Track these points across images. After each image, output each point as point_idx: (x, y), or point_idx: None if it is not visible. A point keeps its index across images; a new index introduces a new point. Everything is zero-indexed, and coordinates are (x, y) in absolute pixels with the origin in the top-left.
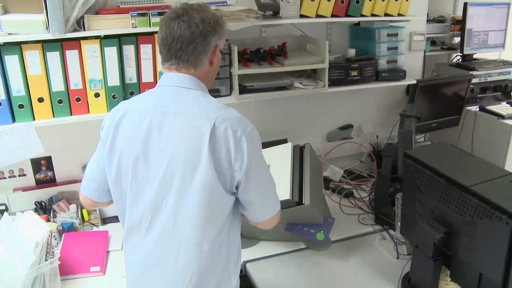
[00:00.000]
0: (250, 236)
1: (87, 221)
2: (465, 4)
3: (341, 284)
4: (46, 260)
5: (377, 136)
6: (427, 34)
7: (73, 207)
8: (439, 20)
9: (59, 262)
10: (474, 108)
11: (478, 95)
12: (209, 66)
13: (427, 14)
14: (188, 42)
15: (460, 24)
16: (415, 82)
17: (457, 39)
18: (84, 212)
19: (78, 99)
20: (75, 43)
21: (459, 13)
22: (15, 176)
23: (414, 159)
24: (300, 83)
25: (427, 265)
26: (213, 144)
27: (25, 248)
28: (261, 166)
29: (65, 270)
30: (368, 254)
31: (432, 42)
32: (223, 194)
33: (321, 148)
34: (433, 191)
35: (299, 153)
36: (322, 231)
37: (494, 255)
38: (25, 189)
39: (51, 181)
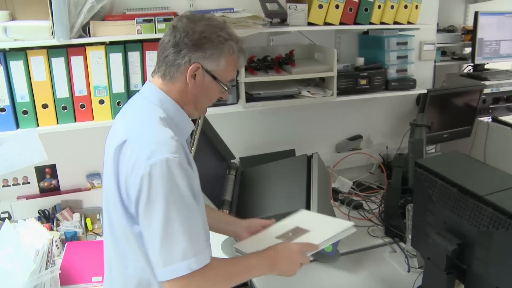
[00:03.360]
0: None
1: (90, 231)
2: (476, 13)
3: None
4: (46, 268)
5: (386, 147)
6: (437, 44)
7: (76, 216)
8: (450, 30)
9: (60, 271)
10: (487, 119)
11: (491, 106)
12: (186, 85)
13: (437, 24)
14: (163, 50)
15: (471, 34)
16: (425, 91)
17: (468, 50)
18: (88, 221)
19: (82, 106)
20: (80, 49)
21: (469, 23)
22: (19, 184)
23: (426, 169)
24: (308, 91)
25: (440, 279)
26: (116, 163)
27: (25, 256)
28: (159, 206)
29: (66, 280)
30: (378, 267)
31: (443, 52)
32: (126, 221)
33: (330, 159)
34: (445, 201)
35: (306, 163)
36: (330, 244)
37: (511, 268)
38: (29, 197)
39: (55, 190)
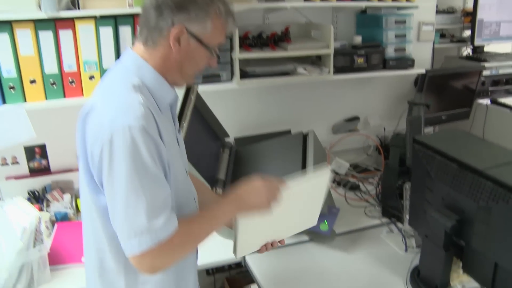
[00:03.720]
0: None
1: None
2: None
3: (347, 277)
4: (34, 247)
5: (384, 129)
6: (437, 25)
7: (67, 197)
8: (449, 11)
9: (49, 251)
10: (485, 101)
11: (490, 88)
12: (170, 50)
13: (436, 6)
14: (144, 14)
15: (470, 16)
16: (423, 71)
17: (467, 33)
18: (79, 202)
19: (72, 82)
20: (69, 22)
21: (469, 6)
22: (8, 164)
23: (424, 145)
24: (304, 69)
25: (438, 256)
26: (83, 133)
27: (12, 234)
28: (121, 176)
29: (56, 259)
30: (375, 247)
31: (442, 35)
32: (93, 194)
33: (326, 140)
34: (444, 176)
35: (302, 141)
36: (326, 221)
37: (511, 243)
38: (18, 177)
39: (45, 170)
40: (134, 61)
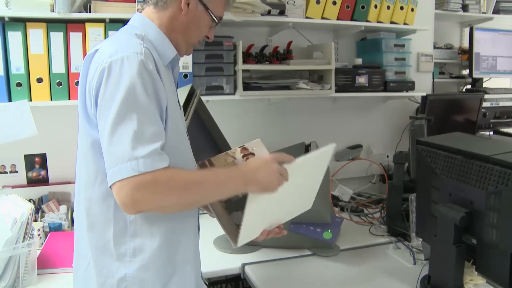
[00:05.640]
0: (250, 241)
1: None
2: (471, 28)
3: None
4: (23, 241)
5: (387, 156)
6: (435, 59)
7: (63, 208)
8: (447, 47)
9: (39, 249)
10: (488, 132)
11: (491, 121)
12: (179, 12)
13: (435, 42)
14: None
15: (467, 54)
16: (424, 94)
17: (465, 72)
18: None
19: (77, 83)
20: (80, 25)
21: (466, 44)
22: (6, 172)
23: (428, 144)
24: (306, 84)
25: (449, 255)
26: (86, 73)
27: (2, 224)
28: (113, 101)
29: (45, 264)
30: (381, 261)
31: (441, 72)
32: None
33: (330, 167)
34: (450, 170)
35: (304, 150)
36: (329, 230)
37: None
38: (15, 186)
39: (43, 181)
40: (140, 20)
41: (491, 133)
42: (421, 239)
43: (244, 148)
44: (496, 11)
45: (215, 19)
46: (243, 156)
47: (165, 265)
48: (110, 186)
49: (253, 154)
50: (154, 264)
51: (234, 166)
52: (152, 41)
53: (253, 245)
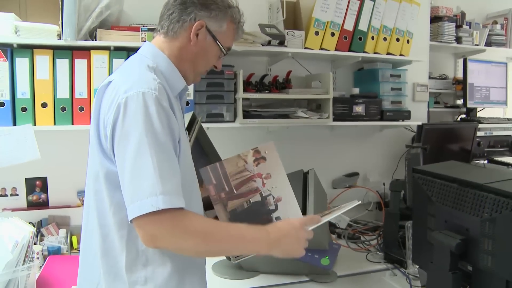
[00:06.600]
0: (248, 267)
1: (75, 249)
2: (465, 60)
3: None
4: (24, 264)
5: (384, 184)
6: (430, 89)
7: (62, 231)
8: (441, 78)
9: (38, 272)
10: (483, 161)
11: (485, 150)
12: (188, 42)
13: (430, 73)
14: (168, 8)
15: (461, 84)
16: (420, 123)
17: (460, 101)
18: (74, 239)
19: (81, 109)
20: (85, 52)
21: (460, 75)
22: (7, 195)
23: (424, 172)
24: (305, 112)
25: (445, 281)
26: (99, 104)
27: (2, 246)
28: (131, 138)
29: (44, 286)
30: (379, 287)
31: (436, 102)
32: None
33: (327, 194)
34: (445, 198)
35: (302, 178)
36: (327, 257)
37: None
38: (15, 209)
39: (43, 204)
40: (150, 50)
41: (486, 161)
42: (417, 266)
43: (256, 151)
44: (488, 43)
45: (223, 50)
46: (254, 161)
47: None
48: (130, 221)
49: (264, 159)
50: None
51: (261, 227)
52: (163, 72)
53: (251, 271)
